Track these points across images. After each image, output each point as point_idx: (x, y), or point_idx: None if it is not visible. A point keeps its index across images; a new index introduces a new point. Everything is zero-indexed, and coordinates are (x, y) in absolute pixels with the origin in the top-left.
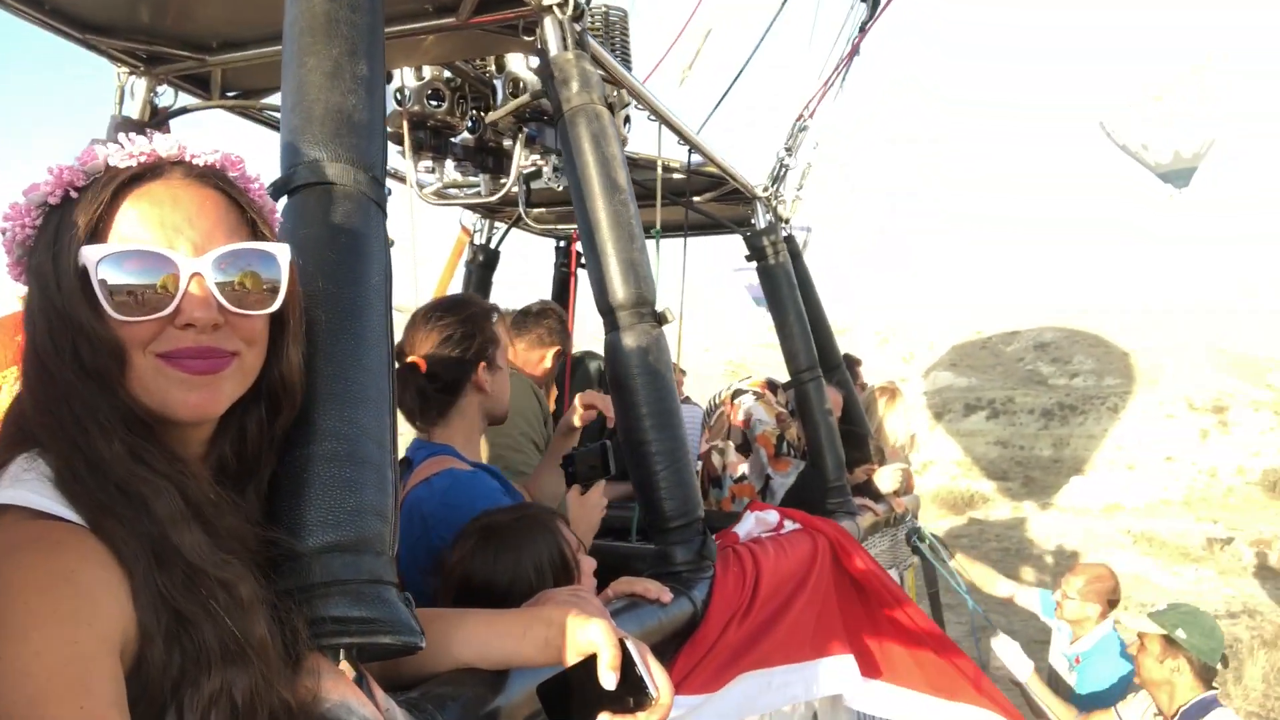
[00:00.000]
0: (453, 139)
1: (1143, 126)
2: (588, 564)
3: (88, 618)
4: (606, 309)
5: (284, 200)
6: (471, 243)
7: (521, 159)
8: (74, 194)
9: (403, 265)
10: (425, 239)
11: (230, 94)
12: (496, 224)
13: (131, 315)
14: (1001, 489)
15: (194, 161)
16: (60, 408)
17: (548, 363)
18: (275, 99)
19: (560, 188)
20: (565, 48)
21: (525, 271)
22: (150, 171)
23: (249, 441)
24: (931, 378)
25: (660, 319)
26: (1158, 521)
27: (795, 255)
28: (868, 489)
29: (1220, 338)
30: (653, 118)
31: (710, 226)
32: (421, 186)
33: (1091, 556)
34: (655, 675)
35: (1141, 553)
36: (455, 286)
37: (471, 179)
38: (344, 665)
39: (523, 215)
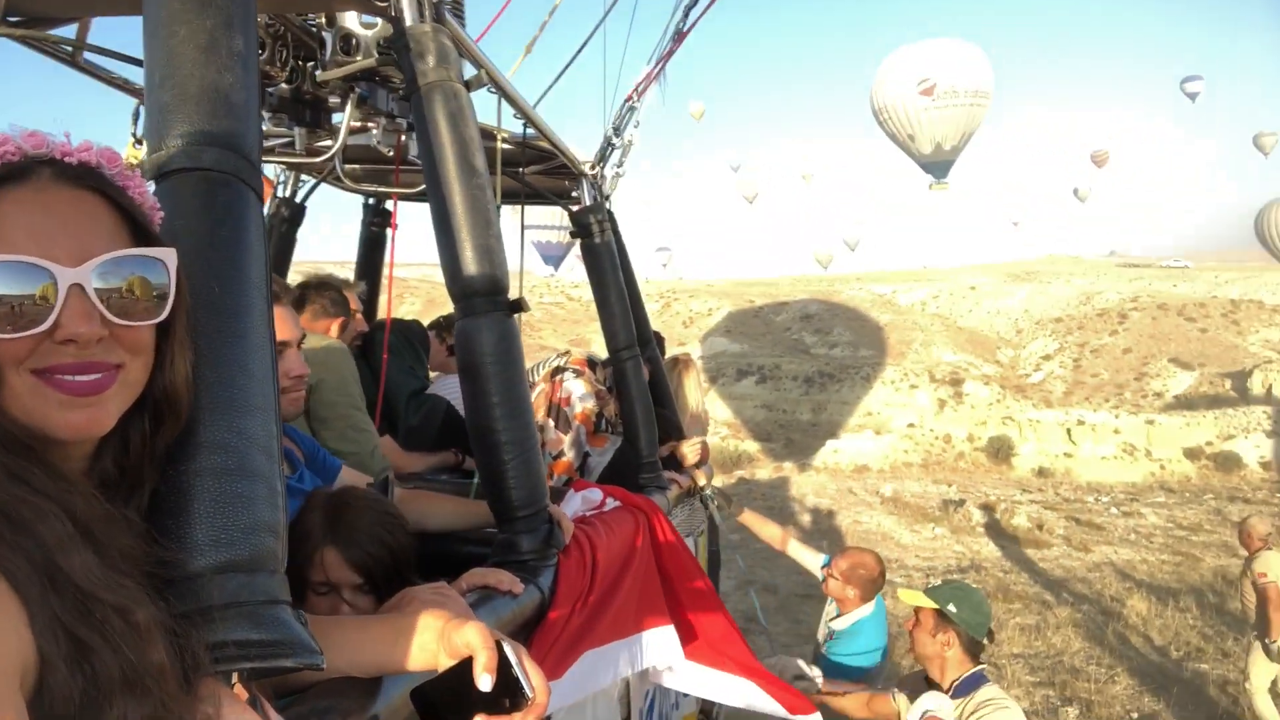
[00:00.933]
0: (268, 90)
1: (910, 119)
2: (350, 605)
3: None
4: (460, 295)
5: (152, 184)
6: (275, 196)
7: (351, 119)
8: None
9: None
10: None
11: (13, 19)
12: (303, 177)
13: (4, 332)
14: (766, 449)
15: (66, 160)
16: None
17: (334, 334)
18: (67, 31)
19: (389, 151)
20: (423, 19)
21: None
22: (17, 173)
23: (131, 454)
24: (709, 343)
25: (514, 307)
26: (901, 483)
27: (616, 232)
28: (671, 462)
29: (959, 317)
30: (492, 89)
31: (535, 197)
32: None
33: (845, 515)
34: (531, 675)
35: (887, 512)
36: None
37: (283, 131)
38: (238, 688)
39: (338, 172)
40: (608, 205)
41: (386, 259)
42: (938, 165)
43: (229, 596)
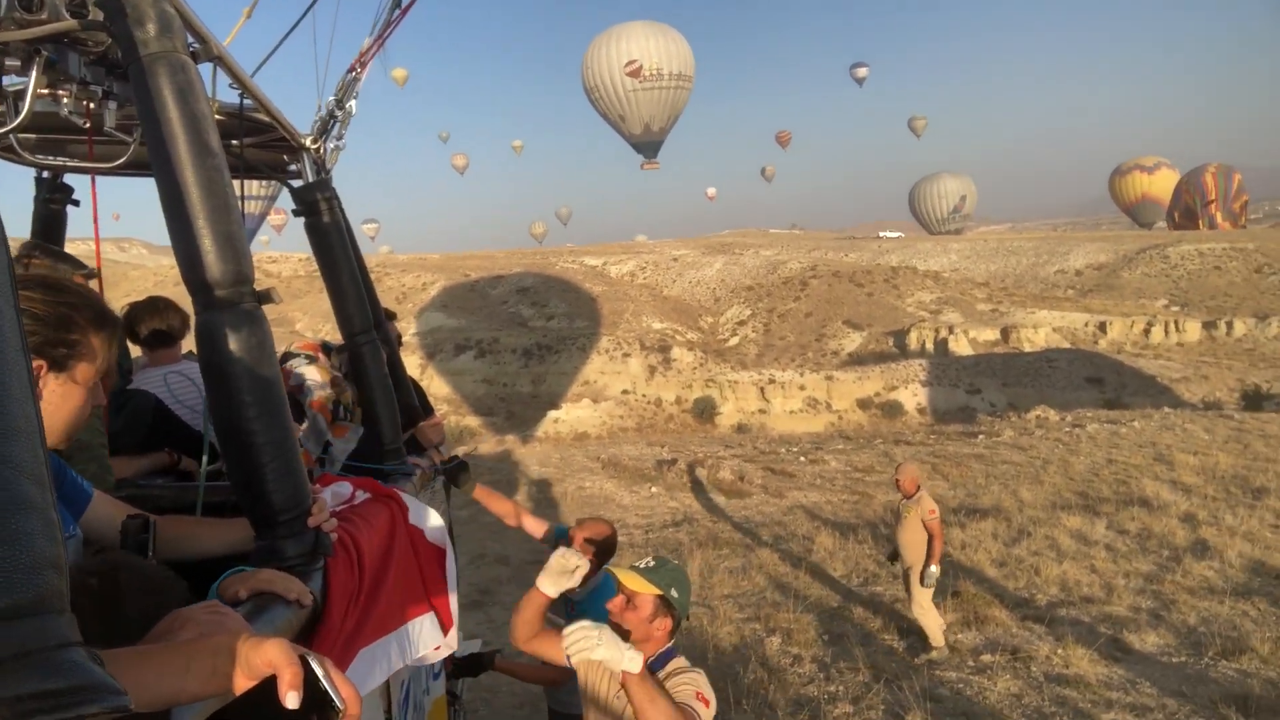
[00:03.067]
0: None
1: (620, 99)
2: None
3: None
4: (199, 287)
5: None
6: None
7: (38, 87)
8: None
9: None
10: None
11: None
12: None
13: None
14: (489, 424)
15: None
16: None
17: None
18: None
19: (84, 122)
20: None
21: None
22: None
23: None
24: (425, 318)
25: (262, 298)
26: (619, 448)
27: (341, 210)
28: (413, 445)
29: (665, 286)
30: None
31: (250, 171)
32: None
33: (569, 482)
34: (340, 686)
35: (608, 476)
36: None
37: None
38: None
39: (14, 144)
40: (329, 181)
41: (66, 238)
42: (648, 145)
43: (17, 646)
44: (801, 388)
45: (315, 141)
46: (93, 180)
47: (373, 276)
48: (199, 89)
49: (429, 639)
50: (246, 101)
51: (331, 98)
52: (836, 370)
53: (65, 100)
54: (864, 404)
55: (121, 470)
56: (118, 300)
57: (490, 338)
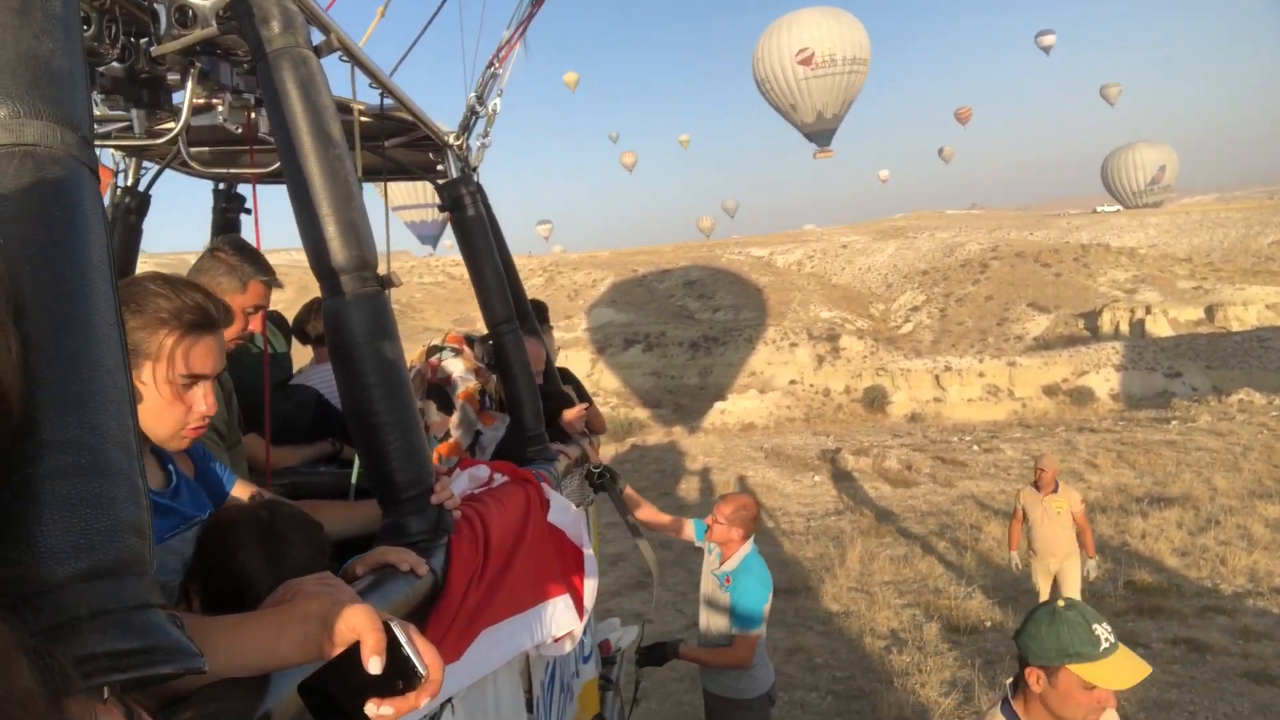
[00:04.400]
0: (99, 69)
1: (791, 88)
2: None
3: None
4: (326, 273)
5: None
6: (115, 185)
7: (193, 97)
8: None
9: None
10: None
11: None
12: (145, 164)
13: None
14: (656, 416)
15: None
16: None
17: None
18: None
19: (237, 129)
20: None
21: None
22: None
23: None
24: (594, 314)
25: (385, 283)
26: (784, 438)
27: (486, 205)
28: (560, 433)
29: (834, 275)
30: (344, 58)
31: (399, 173)
32: None
33: (731, 471)
34: (423, 653)
35: (771, 465)
36: None
37: (119, 114)
38: (112, 701)
39: (183, 155)
40: (475, 177)
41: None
42: (821, 133)
43: (95, 605)
44: (980, 375)
45: (458, 138)
46: (253, 187)
47: (545, 276)
48: (321, 81)
49: (562, 623)
50: (388, 101)
51: (472, 94)
52: (1020, 356)
53: (220, 109)
54: (1050, 391)
55: (287, 459)
56: (303, 302)
57: (658, 331)
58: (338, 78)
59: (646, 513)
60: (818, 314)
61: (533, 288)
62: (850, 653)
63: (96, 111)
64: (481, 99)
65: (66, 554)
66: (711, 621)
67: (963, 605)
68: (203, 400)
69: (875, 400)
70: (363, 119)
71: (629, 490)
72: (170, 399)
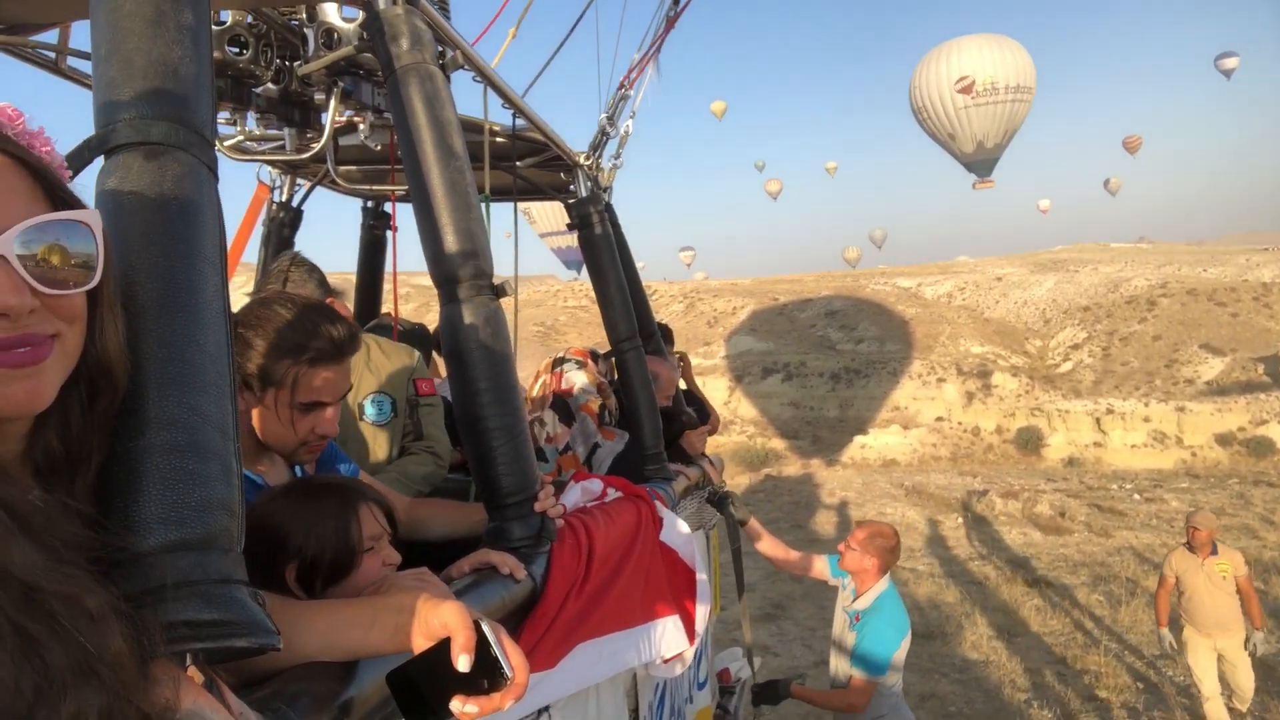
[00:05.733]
0: (255, 89)
1: (950, 118)
2: (390, 556)
3: None
4: (443, 281)
5: (100, 160)
6: (271, 201)
7: (336, 115)
8: None
9: None
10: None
11: None
12: (299, 181)
13: None
14: (793, 447)
15: None
16: None
17: None
18: (49, 37)
19: (378, 147)
20: (395, 2)
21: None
22: None
23: (72, 427)
24: (733, 342)
25: (499, 291)
26: (927, 475)
27: (615, 224)
28: (680, 454)
29: (987, 308)
30: (478, 79)
31: (531, 192)
32: (221, 139)
33: (869, 507)
34: (511, 655)
35: (911, 504)
36: (252, 248)
37: (274, 133)
38: (192, 671)
39: (331, 173)
40: (606, 197)
41: (388, 263)
42: (981, 163)
43: (180, 575)
44: (1146, 419)
45: (588, 158)
46: (393, 204)
47: (685, 302)
48: (445, 97)
49: (672, 644)
50: (520, 121)
51: (604, 115)
52: (1190, 400)
53: (362, 128)
54: (1224, 440)
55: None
56: (424, 316)
57: (798, 361)
58: (473, 100)
59: (770, 546)
60: (968, 349)
61: (672, 314)
62: (987, 703)
63: (253, 130)
64: (613, 120)
65: (158, 525)
66: (838, 662)
67: (1112, 664)
68: (325, 424)
69: (1029, 442)
70: (495, 139)
71: (753, 523)
72: (291, 421)
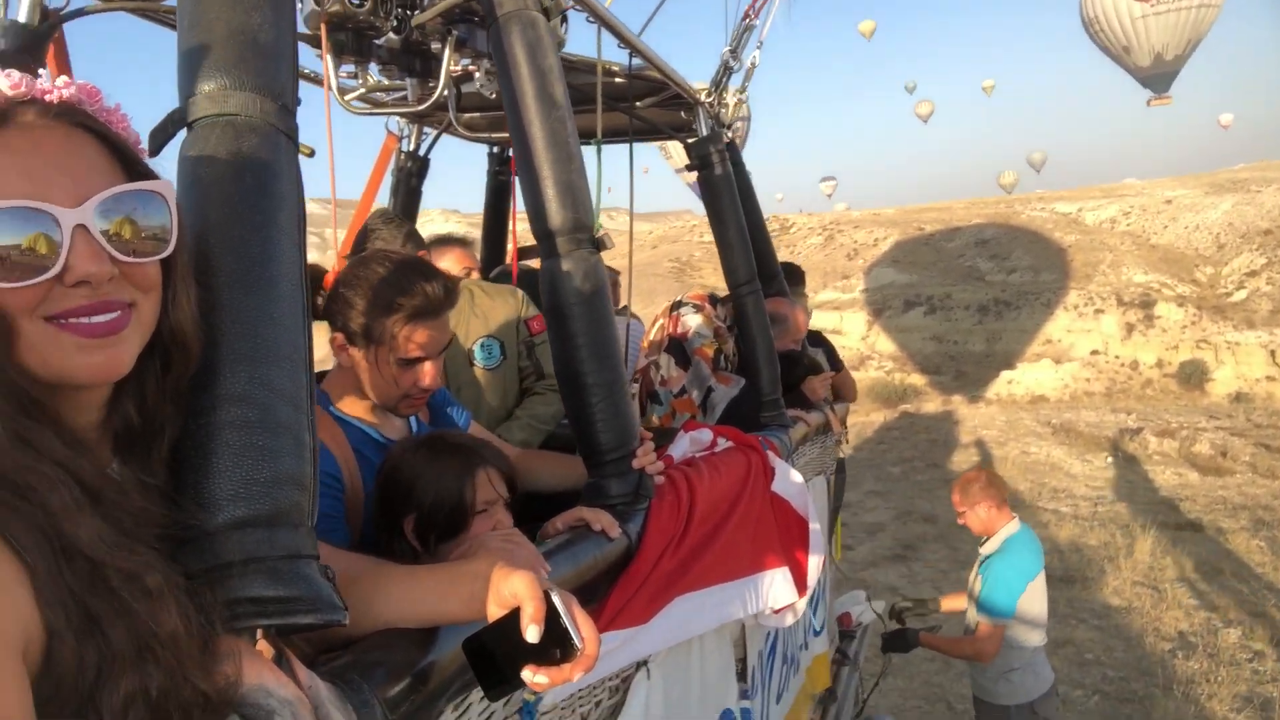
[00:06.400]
0: (376, 41)
1: (1125, 29)
2: (502, 521)
3: None
4: (543, 234)
5: (182, 134)
6: (399, 150)
7: (451, 64)
8: None
9: (322, 175)
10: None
11: None
12: (425, 130)
13: (13, 280)
14: (934, 383)
15: (47, 99)
16: None
17: None
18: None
19: (493, 95)
20: None
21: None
22: (1, 118)
23: (148, 398)
24: (874, 274)
25: (599, 245)
26: (1077, 413)
27: (737, 163)
28: (800, 399)
29: (1153, 234)
30: (591, 19)
31: (649, 133)
32: (344, 92)
33: (1011, 446)
34: (581, 626)
35: (1058, 442)
36: (382, 195)
37: (398, 83)
38: (262, 644)
39: (453, 121)
40: (726, 135)
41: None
42: (1158, 78)
43: (246, 552)
44: None
45: (709, 95)
46: (510, 152)
47: (824, 235)
48: (547, 44)
49: (781, 596)
50: (637, 60)
51: (727, 49)
52: None
53: (478, 75)
54: None
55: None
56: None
57: (942, 293)
58: (587, 40)
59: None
60: (1130, 277)
61: (809, 248)
62: (1127, 652)
63: (377, 80)
64: (736, 53)
65: (226, 502)
66: (969, 610)
67: (1272, 615)
68: (426, 377)
69: (1192, 376)
70: (612, 79)
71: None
72: (393, 377)
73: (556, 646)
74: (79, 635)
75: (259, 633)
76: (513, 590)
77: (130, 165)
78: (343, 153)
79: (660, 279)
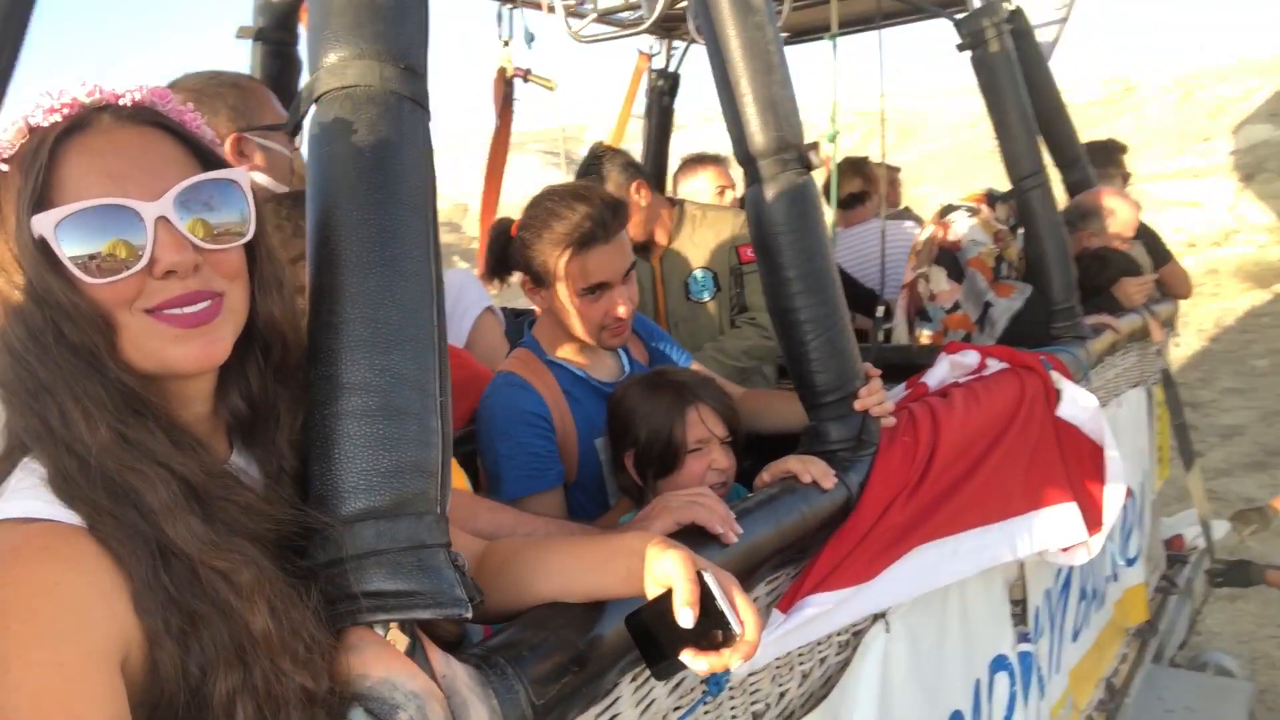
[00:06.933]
0: None
1: None
2: (718, 460)
3: (73, 635)
4: (745, 158)
5: (313, 109)
6: (650, 69)
7: None
8: (4, 167)
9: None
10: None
11: None
12: (674, 44)
13: (106, 276)
14: None
15: (121, 102)
16: (42, 402)
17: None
18: None
19: None
20: None
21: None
22: (79, 123)
23: (253, 386)
24: (1244, 133)
25: (807, 164)
26: None
27: (1021, 34)
28: (1110, 303)
29: None
30: None
31: (900, 15)
32: (579, 16)
33: None
34: (740, 610)
35: None
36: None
37: (634, 1)
38: (395, 634)
39: (691, 32)
40: (1007, 4)
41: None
42: None
43: (367, 545)
44: None
45: None
46: None
47: (1179, 92)
48: None
49: (1065, 533)
50: None
51: None
52: None
53: None
54: None
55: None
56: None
57: None
58: None
59: None
60: None
61: (1161, 108)
62: None
63: (615, 3)
64: None
65: (347, 494)
66: None
67: None
68: (616, 305)
69: None
70: None
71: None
72: (583, 308)
73: (718, 628)
74: (179, 640)
75: (391, 625)
76: (664, 570)
77: (205, 158)
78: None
79: (978, 160)
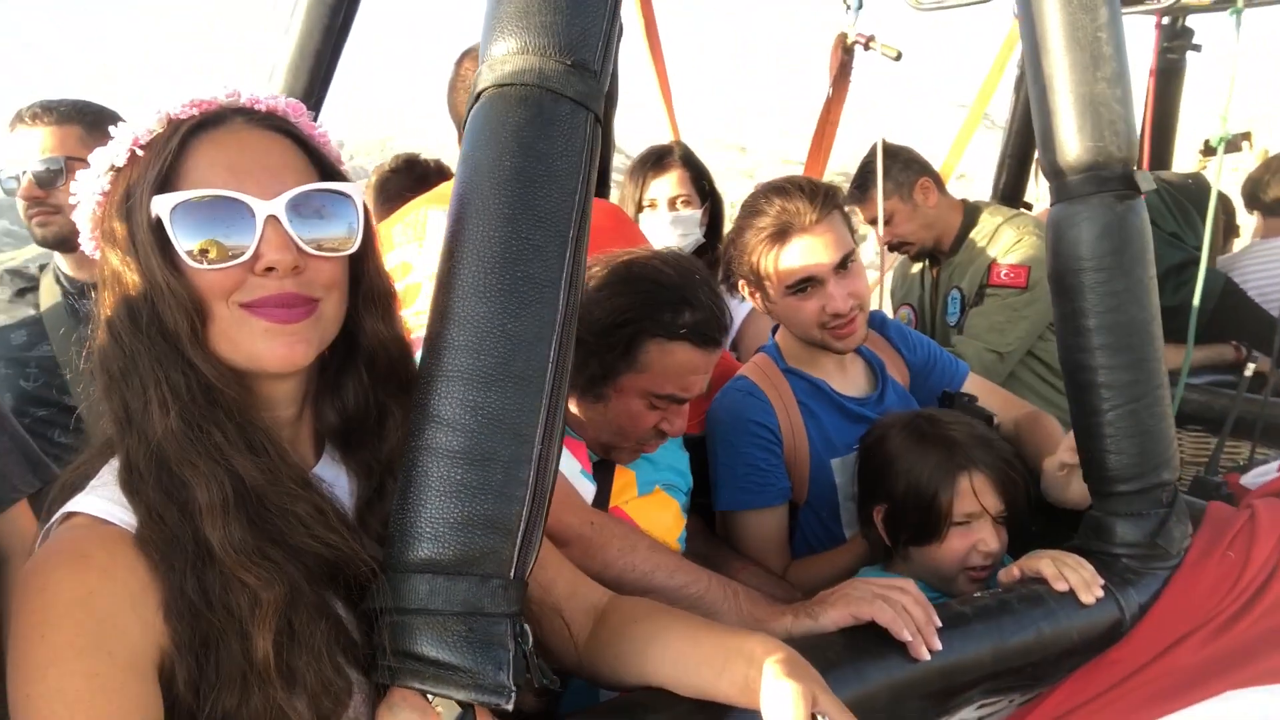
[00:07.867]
0: None
1: None
2: (986, 542)
3: (108, 645)
4: (1052, 170)
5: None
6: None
7: None
8: (139, 151)
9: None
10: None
11: None
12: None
13: (210, 264)
14: None
15: (255, 107)
16: (128, 384)
17: None
18: None
19: None
20: None
21: None
22: (213, 119)
23: (349, 400)
24: None
25: (1132, 185)
26: None
27: None
28: None
29: None
30: None
31: None
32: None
33: None
34: None
35: None
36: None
37: None
38: (444, 700)
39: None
40: None
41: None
42: None
43: (417, 600)
44: None
45: None
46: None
47: None
48: None
49: None
50: None
51: None
52: None
53: None
54: None
55: (1169, 358)
56: None
57: None
58: None
59: None
60: None
61: None
62: None
63: None
64: None
65: (411, 538)
66: None
67: None
68: (831, 299)
69: None
70: None
71: None
72: (795, 307)
73: None
74: (198, 653)
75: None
76: (771, 701)
77: (326, 170)
78: None
79: None
